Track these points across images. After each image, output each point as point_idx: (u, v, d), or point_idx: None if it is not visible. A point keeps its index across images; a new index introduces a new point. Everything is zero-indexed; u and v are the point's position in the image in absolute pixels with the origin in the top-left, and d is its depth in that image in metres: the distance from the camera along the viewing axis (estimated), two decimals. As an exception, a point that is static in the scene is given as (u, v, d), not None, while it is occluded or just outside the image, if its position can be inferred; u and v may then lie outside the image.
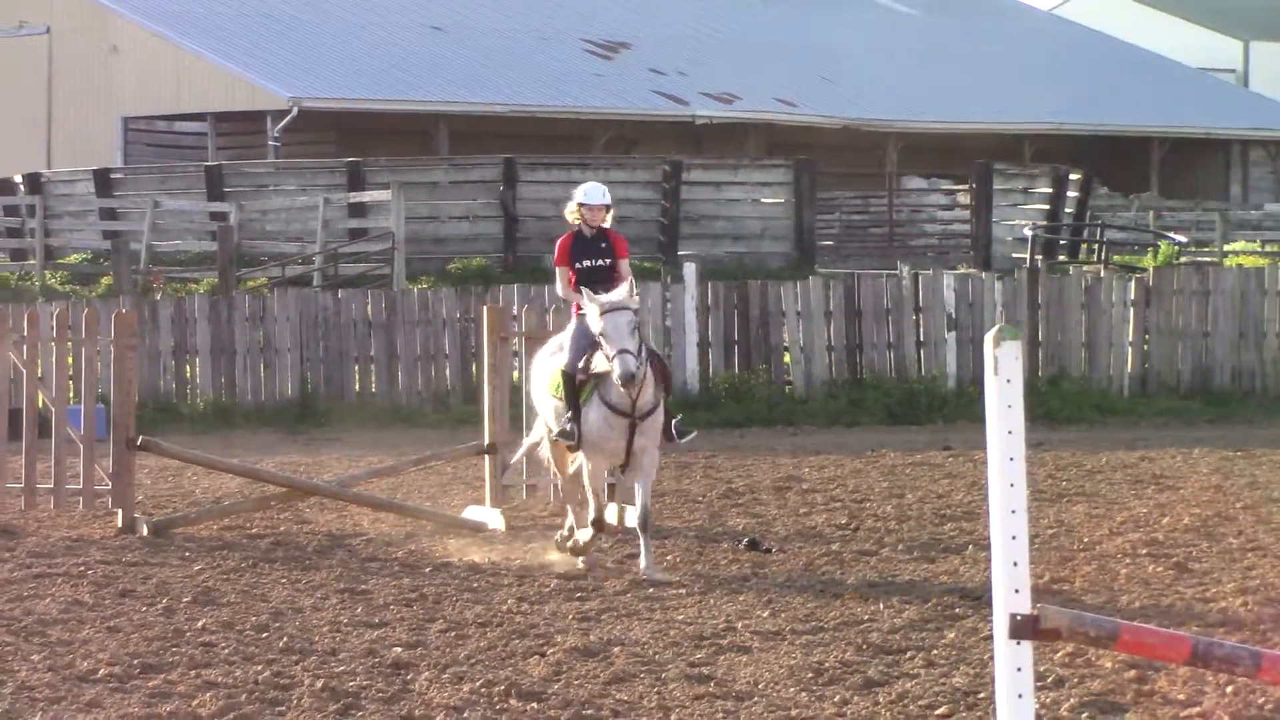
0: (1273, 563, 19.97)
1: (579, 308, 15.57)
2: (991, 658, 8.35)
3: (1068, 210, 54.25)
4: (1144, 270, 48.18)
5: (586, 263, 15.21)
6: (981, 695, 12.58)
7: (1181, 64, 74.64)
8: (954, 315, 37.93)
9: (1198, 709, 12.61)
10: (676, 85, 51.69)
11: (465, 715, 13.07)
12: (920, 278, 39.49)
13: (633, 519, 16.85)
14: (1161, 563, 19.59)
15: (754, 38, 55.56)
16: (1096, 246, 53.68)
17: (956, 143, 54.94)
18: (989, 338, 6.74)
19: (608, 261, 15.24)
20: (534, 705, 13.54)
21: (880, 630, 16.59)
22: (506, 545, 21.53)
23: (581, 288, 16.00)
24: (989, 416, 6.79)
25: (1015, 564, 7.28)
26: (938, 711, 12.84)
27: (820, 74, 56.45)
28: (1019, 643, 7.73)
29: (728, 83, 51.70)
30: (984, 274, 43.19)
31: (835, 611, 17.59)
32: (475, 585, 19.22)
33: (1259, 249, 57.33)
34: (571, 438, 15.36)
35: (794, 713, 13.16)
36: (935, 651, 15.32)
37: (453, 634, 16.73)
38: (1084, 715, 12.48)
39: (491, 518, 22.61)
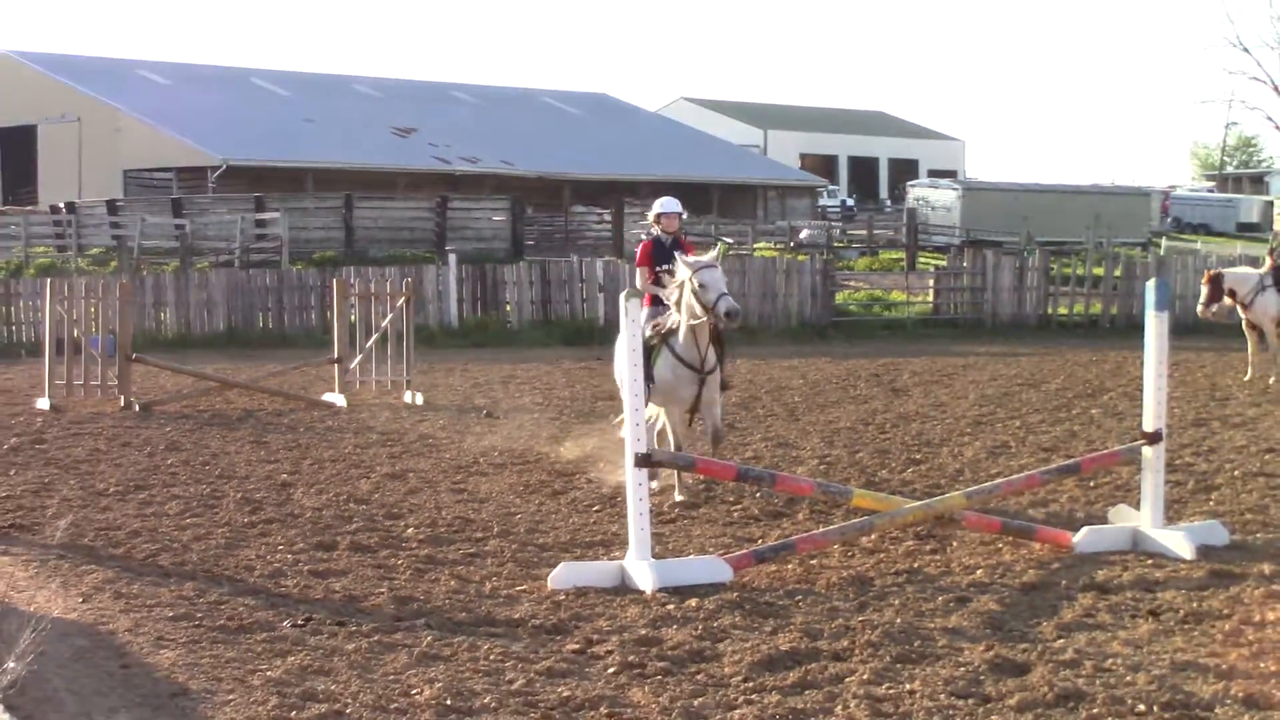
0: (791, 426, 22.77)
1: (650, 300, 14.92)
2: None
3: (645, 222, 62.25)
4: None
5: (665, 268, 14.51)
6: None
7: (727, 142, 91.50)
8: (602, 284, 45.83)
9: (740, 508, 15.74)
10: (444, 152, 65.70)
11: (323, 512, 16.11)
12: (583, 263, 48.76)
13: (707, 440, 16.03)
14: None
15: (484, 126, 69.12)
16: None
17: (603, 186, 66.40)
18: (622, 297, 12.51)
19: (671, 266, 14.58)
20: (363, 507, 16.45)
21: (548, 467, 19.29)
22: (350, 412, 25.80)
23: (675, 252, 15.03)
24: (621, 341, 13.41)
25: (636, 422, 12.48)
26: (594, 509, 15.69)
27: (525, 145, 68.79)
28: (639, 469, 12.53)
29: (473, 151, 65.18)
30: (621, 261, 49.79)
31: (536, 446, 21.09)
32: (329, 437, 22.91)
33: (773, 247, 65.76)
34: (650, 389, 14.11)
35: (511, 509, 16.19)
36: (591, 481, 17.67)
37: (316, 466, 19.88)
38: (676, 509, 15.88)
39: (339, 399, 26.91)
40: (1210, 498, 15.97)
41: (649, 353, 14.24)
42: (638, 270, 15.11)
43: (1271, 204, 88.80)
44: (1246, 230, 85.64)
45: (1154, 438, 13.46)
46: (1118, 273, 47.86)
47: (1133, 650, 10.21)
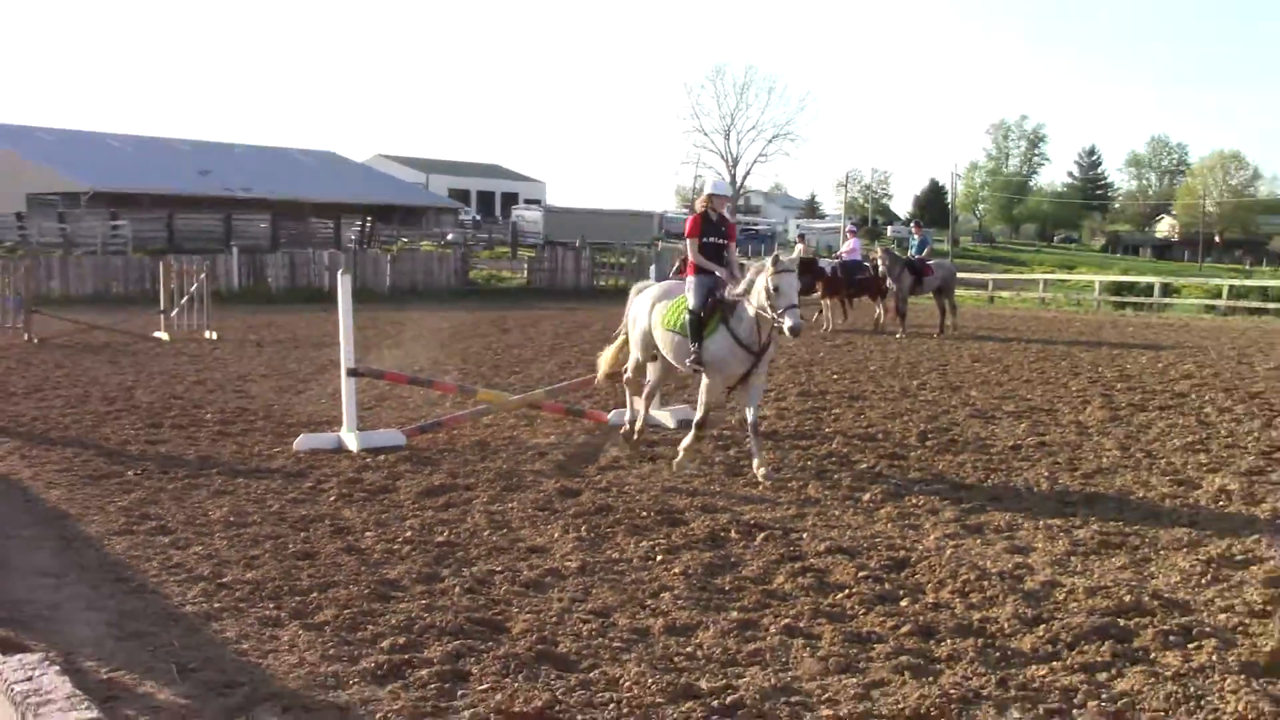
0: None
1: (693, 269, 11.52)
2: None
3: (357, 228, 59.35)
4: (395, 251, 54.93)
5: (710, 239, 11.55)
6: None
7: (404, 180, 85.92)
8: (328, 265, 42.17)
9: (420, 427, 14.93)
10: (230, 185, 60.96)
11: (154, 405, 16.66)
12: (314, 253, 44.57)
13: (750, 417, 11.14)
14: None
15: (255, 168, 64.25)
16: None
17: (329, 206, 62.02)
18: (340, 274, 12.20)
19: (724, 240, 11.64)
20: (179, 401, 17.48)
21: (294, 376, 19.13)
22: (171, 344, 25.87)
23: (723, 241, 11.62)
24: (342, 304, 12.08)
25: (350, 338, 12.45)
26: (322, 401, 13.28)
27: (281, 181, 64.58)
28: (350, 379, 12.42)
29: (248, 184, 60.56)
30: (340, 252, 46.66)
31: (287, 364, 20.85)
32: (158, 360, 22.37)
33: (433, 244, 65.07)
34: (700, 362, 11.11)
35: (271, 402, 16.97)
36: (320, 383, 15.03)
37: (149, 376, 20.04)
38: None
39: (164, 336, 25.94)
40: (686, 393, 16.12)
41: (702, 323, 11.15)
42: (688, 241, 11.64)
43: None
44: None
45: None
46: (634, 260, 49.22)
47: (639, 480, 10.81)
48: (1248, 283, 46.28)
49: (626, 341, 12.71)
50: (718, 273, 11.43)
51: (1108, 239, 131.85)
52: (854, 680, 5.97)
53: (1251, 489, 10.54)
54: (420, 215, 70.29)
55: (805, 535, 8.80)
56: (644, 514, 9.42)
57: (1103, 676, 6.07)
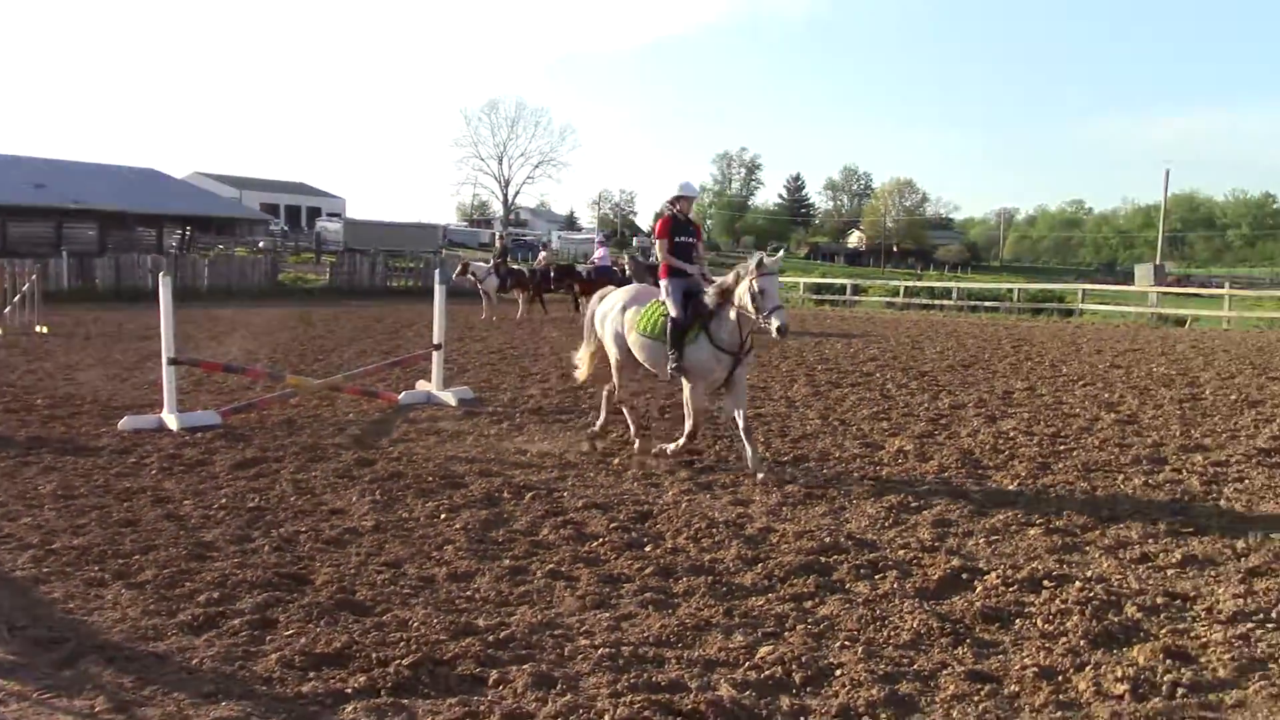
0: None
1: (665, 271, 10.08)
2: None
3: (178, 235, 56.97)
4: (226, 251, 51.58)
5: (680, 239, 10.08)
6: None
7: (220, 195, 76.88)
8: (150, 268, 39.33)
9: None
10: (62, 197, 53.09)
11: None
12: (139, 257, 41.17)
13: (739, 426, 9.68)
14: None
15: (85, 183, 55.87)
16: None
17: (151, 217, 56.59)
18: (162, 275, 15.41)
19: (692, 240, 10.18)
20: (11, 389, 16.11)
21: (122, 364, 17.64)
22: (5, 338, 24.52)
23: (691, 239, 10.22)
24: (163, 302, 16.16)
25: (171, 331, 15.85)
26: (145, 388, 12.97)
27: (109, 193, 56.80)
28: (170, 367, 12.09)
29: (80, 197, 52.89)
30: (162, 256, 43.74)
31: (114, 354, 19.38)
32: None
33: (246, 250, 63.57)
34: (682, 369, 9.70)
35: (99, 389, 15.81)
36: (143, 371, 16.53)
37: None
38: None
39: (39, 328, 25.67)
40: (465, 376, 16.23)
41: (683, 330, 9.74)
42: (659, 242, 10.19)
43: (497, 233, 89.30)
44: (484, 247, 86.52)
45: (438, 346, 13.86)
46: (421, 265, 48.52)
47: (426, 450, 10.53)
48: (919, 284, 48.15)
49: (600, 348, 11.04)
50: (689, 270, 10.14)
51: (810, 248, 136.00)
52: (607, 615, 5.98)
53: (923, 449, 10.93)
54: (235, 226, 66.45)
55: (566, 494, 8.77)
56: (430, 479, 9.24)
57: (809, 604, 6.20)
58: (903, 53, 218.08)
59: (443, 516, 8.04)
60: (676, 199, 10.36)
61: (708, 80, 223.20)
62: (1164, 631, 5.77)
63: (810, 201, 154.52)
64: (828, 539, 7.41)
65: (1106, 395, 15.27)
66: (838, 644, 5.57)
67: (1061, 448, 11.09)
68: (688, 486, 9.13)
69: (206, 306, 34.00)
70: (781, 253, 10.68)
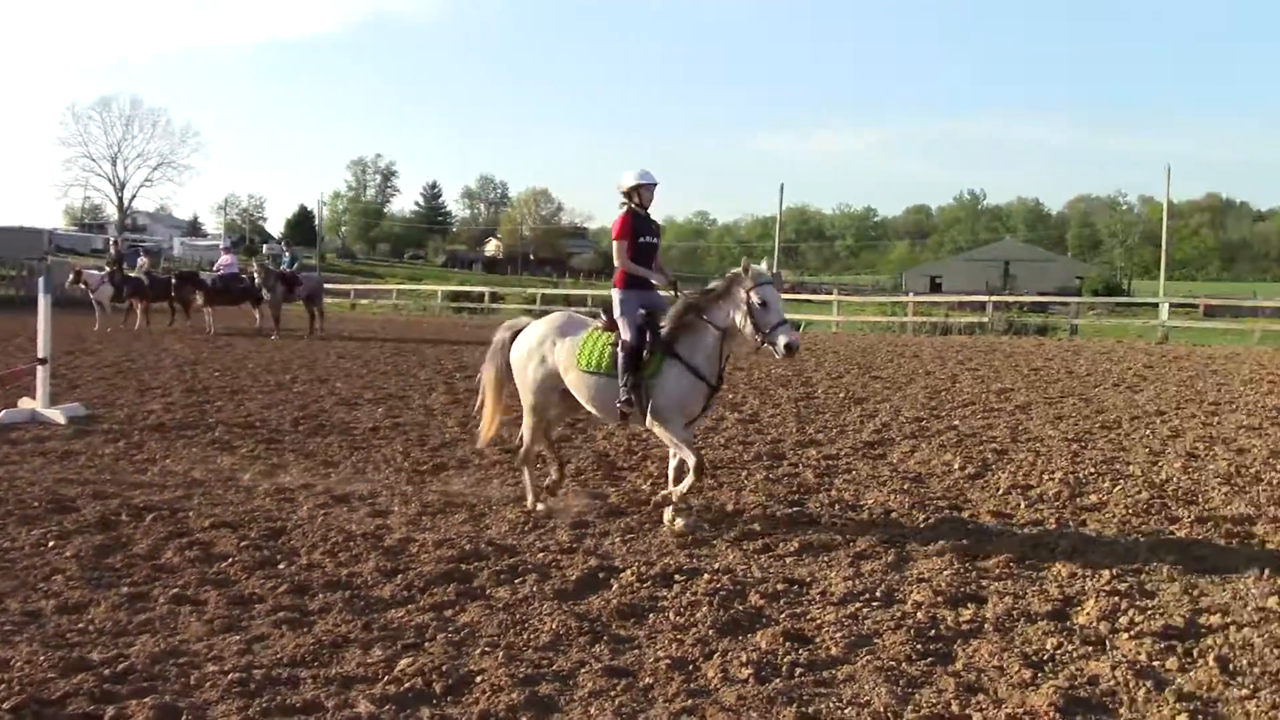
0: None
1: (622, 279, 8.21)
2: None
3: None
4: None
5: (644, 239, 8.25)
6: None
7: None
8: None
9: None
10: None
11: None
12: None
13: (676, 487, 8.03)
14: None
15: None
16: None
17: None
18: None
19: (656, 240, 8.39)
20: None
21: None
22: None
23: (753, 262, 7.89)
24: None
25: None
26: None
27: None
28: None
29: None
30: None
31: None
32: None
33: None
34: (633, 406, 7.97)
35: None
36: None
37: None
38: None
39: None
40: (77, 392, 15.07)
41: (639, 362, 8.00)
42: (616, 244, 8.28)
43: (111, 239, 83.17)
44: (97, 254, 78.32)
45: (43, 360, 12.82)
46: (25, 273, 43.76)
47: (31, 473, 9.62)
48: (556, 291, 49.88)
49: (498, 399, 9.08)
50: (654, 280, 8.40)
51: (448, 256, 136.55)
52: (237, 638, 5.71)
53: (561, 452, 11.16)
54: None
55: (192, 514, 8.30)
56: (35, 504, 8.47)
57: (449, 613, 6.17)
58: (534, 58, 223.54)
59: (50, 544, 7.41)
60: (635, 189, 8.43)
61: (339, 83, 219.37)
62: (784, 616, 6.13)
63: (448, 209, 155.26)
64: (468, 546, 7.41)
65: (730, 396, 16.10)
66: (478, 650, 5.57)
67: (700, 445, 11.53)
68: (324, 500, 8.89)
69: None
70: (767, 261, 8.59)
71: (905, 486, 9.78)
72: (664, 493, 8.29)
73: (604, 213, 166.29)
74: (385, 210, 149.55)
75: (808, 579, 6.87)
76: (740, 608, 6.24)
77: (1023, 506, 9.03)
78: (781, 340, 7.66)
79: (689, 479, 7.93)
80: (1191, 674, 5.35)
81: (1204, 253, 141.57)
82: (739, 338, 7.94)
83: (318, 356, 22.08)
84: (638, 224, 8.33)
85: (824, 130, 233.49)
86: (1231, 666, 5.44)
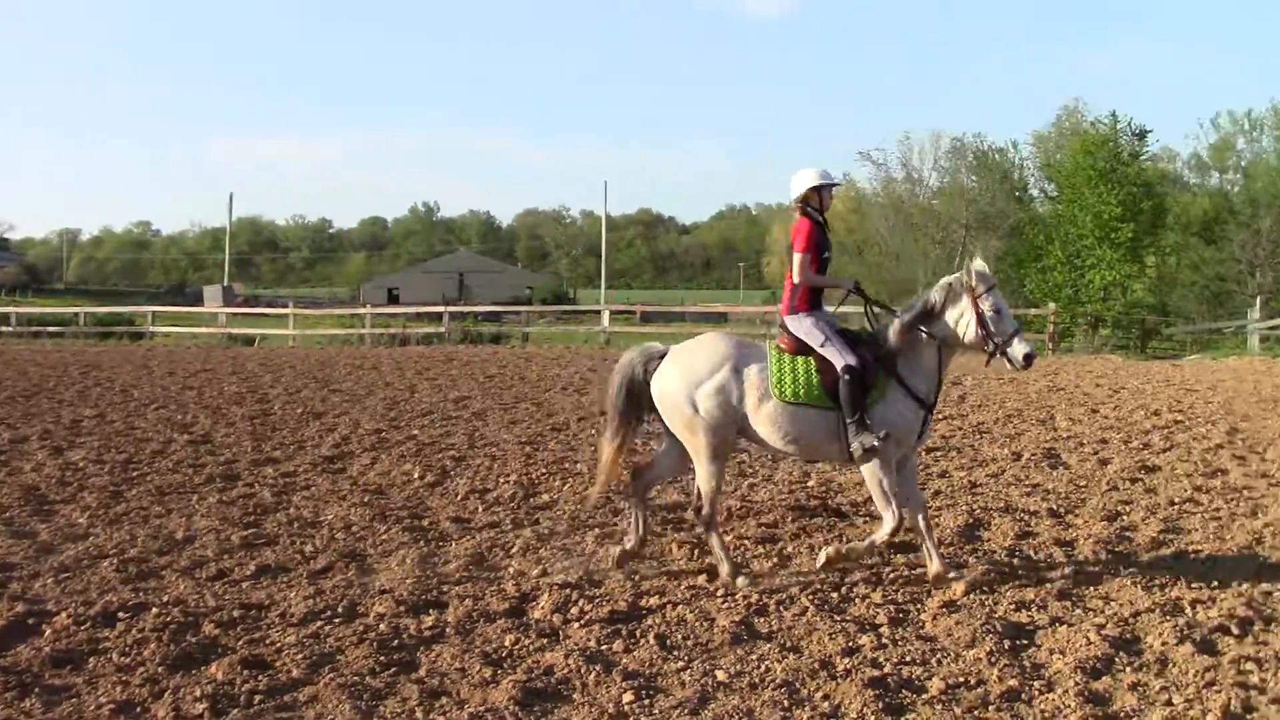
0: None
1: (806, 298, 7.06)
2: None
3: None
4: None
5: (826, 254, 7.20)
6: None
7: None
8: None
9: None
10: None
11: None
12: None
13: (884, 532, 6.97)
14: None
15: None
16: None
17: None
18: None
19: (829, 254, 7.29)
20: None
21: None
22: None
23: (976, 262, 7.06)
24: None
25: None
26: None
27: None
28: None
29: None
30: None
31: None
32: None
33: None
34: (880, 440, 6.76)
35: None
36: None
37: None
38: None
39: None
40: None
41: (865, 387, 6.77)
42: (798, 256, 6.93)
43: None
44: None
45: None
46: None
47: None
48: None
49: (624, 442, 7.47)
50: (843, 289, 7.32)
51: None
52: None
53: None
54: None
55: None
56: None
57: None
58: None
59: None
60: (815, 190, 7.24)
61: None
62: (241, 644, 5.91)
63: None
64: None
65: (180, 417, 15.38)
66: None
67: (135, 474, 10.93)
68: None
69: None
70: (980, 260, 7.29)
71: (366, 499, 9.76)
72: (851, 545, 7.17)
73: (30, 224, 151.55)
74: None
75: (266, 601, 6.67)
76: (193, 639, 5.94)
77: (481, 510, 9.33)
78: (1020, 349, 6.91)
79: (885, 530, 6.99)
80: (635, 653, 5.80)
81: (639, 263, 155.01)
82: (957, 350, 7.20)
83: None
84: (820, 236, 7.25)
85: (276, 139, 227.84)
86: (669, 642, 5.97)
